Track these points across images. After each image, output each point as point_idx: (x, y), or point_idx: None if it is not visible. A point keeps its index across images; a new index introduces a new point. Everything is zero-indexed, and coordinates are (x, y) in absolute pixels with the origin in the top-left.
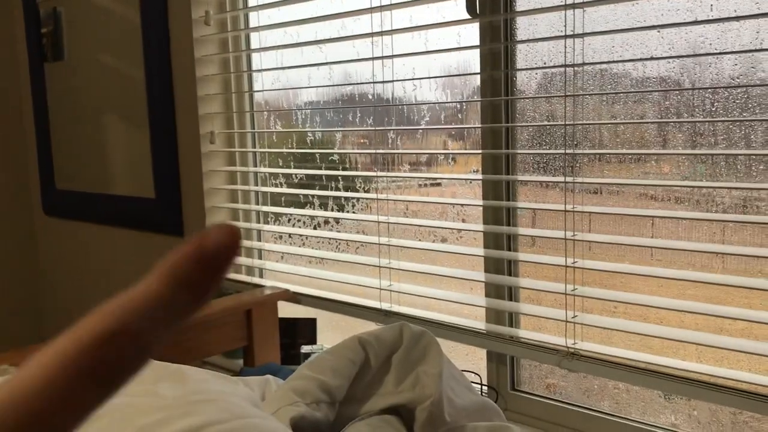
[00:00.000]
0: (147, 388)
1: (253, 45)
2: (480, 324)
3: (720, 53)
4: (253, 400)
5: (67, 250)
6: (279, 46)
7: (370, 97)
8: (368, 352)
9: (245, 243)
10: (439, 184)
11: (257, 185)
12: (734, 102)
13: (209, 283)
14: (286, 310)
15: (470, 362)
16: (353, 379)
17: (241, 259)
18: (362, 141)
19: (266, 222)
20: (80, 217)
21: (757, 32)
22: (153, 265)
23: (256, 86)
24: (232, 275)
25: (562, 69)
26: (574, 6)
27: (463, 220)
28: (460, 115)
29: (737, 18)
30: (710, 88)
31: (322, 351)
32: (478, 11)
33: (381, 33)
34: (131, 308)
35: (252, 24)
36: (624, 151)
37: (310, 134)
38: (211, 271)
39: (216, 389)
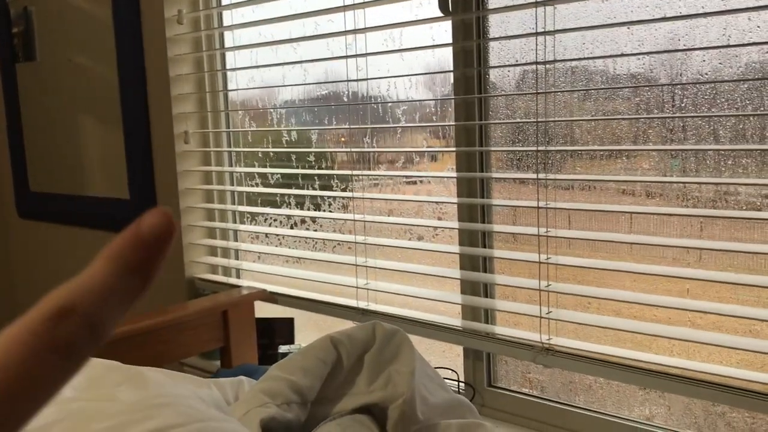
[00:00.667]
0: (106, 392)
1: (227, 44)
2: (456, 321)
3: (688, 49)
4: (217, 402)
5: (42, 253)
6: (253, 44)
7: (345, 98)
8: (340, 351)
9: (221, 243)
10: (416, 183)
11: (233, 185)
12: (703, 98)
13: (149, 265)
14: (264, 310)
15: (447, 359)
16: (325, 379)
17: (218, 260)
18: (343, 140)
19: (242, 222)
20: (55, 219)
21: (725, 29)
22: None
23: (231, 85)
24: (209, 276)
25: (534, 66)
26: (545, 3)
27: (439, 218)
28: (437, 114)
29: (705, 14)
30: (678, 84)
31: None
32: (450, 9)
33: (354, 31)
34: (80, 289)
35: (225, 23)
36: (594, 147)
37: (285, 134)
38: (149, 254)
39: (176, 393)
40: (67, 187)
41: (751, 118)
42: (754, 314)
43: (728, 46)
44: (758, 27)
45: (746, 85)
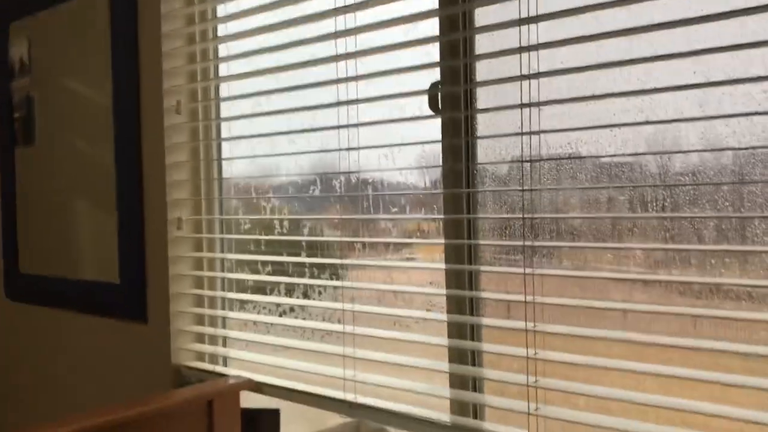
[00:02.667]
0: None
1: (224, 134)
2: (445, 416)
3: (665, 153)
4: None
5: (30, 336)
6: (247, 135)
7: (338, 185)
8: None
9: (209, 330)
10: (411, 268)
11: (223, 272)
12: (684, 197)
13: None
14: (249, 400)
15: None
16: None
17: (205, 347)
18: (333, 223)
19: (231, 309)
20: (43, 302)
21: (703, 132)
22: (114, 351)
23: (225, 174)
24: (196, 363)
25: (519, 164)
26: (530, 105)
27: (428, 309)
28: (428, 203)
29: (685, 120)
30: (660, 186)
31: None
32: (440, 107)
33: (348, 126)
34: None
35: (223, 114)
36: (581, 244)
37: (277, 222)
38: None
39: None
40: (57, 270)
41: (732, 220)
42: (744, 416)
43: (706, 150)
44: (734, 132)
45: (726, 187)
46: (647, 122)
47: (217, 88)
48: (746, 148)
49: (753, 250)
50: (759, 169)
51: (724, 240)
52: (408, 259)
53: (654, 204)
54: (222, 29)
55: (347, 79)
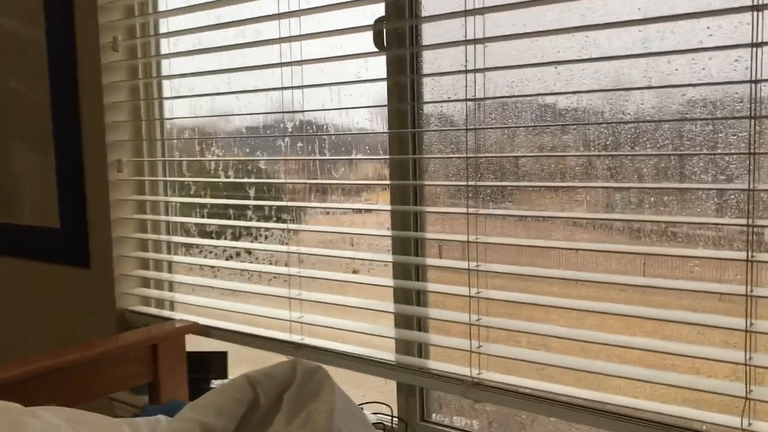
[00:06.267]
0: None
1: (164, 72)
2: (390, 355)
3: (606, 90)
4: None
5: None
6: (188, 74)
7: (284, 127)
8: (257, 390)
9: (155, 275)
10: (361, 212)
11: (168, 215)
12: (626, 136)
13: None
14: (197, 343)
15: (382, 394)
16: (241, 418)
17: (151, 291)
18: (294, 167)
19: (177, 254)
20: None
21: (645, 71)
22: (57, 296)
23: (167, 114)
24: (141, 308)
25: (464, 103)
26: (475, 41)
27: (376, 245)
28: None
29: (628, 56)
30: (603, 123)
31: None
32: (385, 45)
33: (290, 63)
34: None
35: (163, 51)
36: (522, 183)
37: (223, 164)
38: None
39: None
40: None
41: (672, 158)
42: (677, 349)
43: (647, 88)
44: (676, 70)
45: (667, 126)
46: (591, 59)
47: (156, 24)
48: (687, 85)
49: (690, 187)
50: (699, 108)
51: (664, 179)
52: (367, 204)
53: (596, 144)
54: None
55: (290, 13)
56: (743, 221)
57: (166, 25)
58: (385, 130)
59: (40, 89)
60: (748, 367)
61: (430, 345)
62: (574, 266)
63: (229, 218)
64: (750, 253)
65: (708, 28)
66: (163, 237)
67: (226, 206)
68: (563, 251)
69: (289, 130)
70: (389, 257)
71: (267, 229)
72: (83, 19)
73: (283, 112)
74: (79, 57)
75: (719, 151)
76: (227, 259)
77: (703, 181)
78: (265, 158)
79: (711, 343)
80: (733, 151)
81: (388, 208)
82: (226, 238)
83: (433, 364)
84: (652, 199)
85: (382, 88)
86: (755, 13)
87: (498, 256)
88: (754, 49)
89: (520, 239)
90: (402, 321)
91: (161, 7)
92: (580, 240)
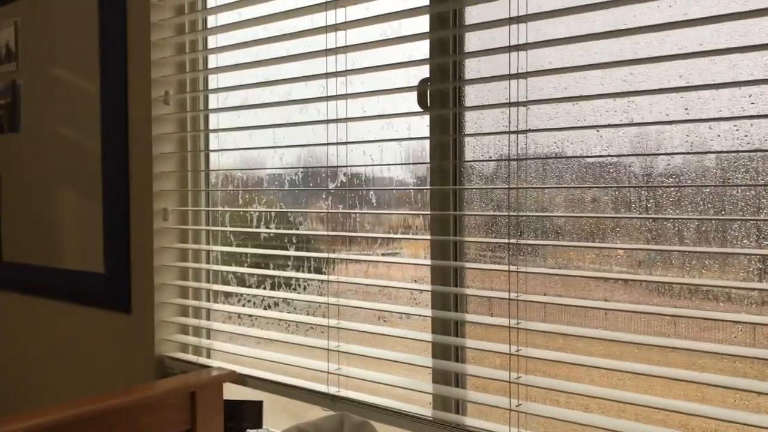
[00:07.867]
0: None
1: (211, 125)
2: (427, 411)
3: (647, 154)
4: None
5: (12, 325)
6: (234, 128)
7: (325, 178)
8: None
9: (194, 322)
10: (397, 263)
11: (209, 263)
12: (667, 199)
13: None
14: (233, 392)
15: None
16: None
17: (189, 338)
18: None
19: (216, 301)
20: (27, 291)
21: (687, 135)
22: (97, 340)
23: (213, 166)
24: (179, 354)
25: (506, 162)
26: (518, 104)
27: (415, 299)
28: (413, 199)
29: (669, 122)
30: (642, 186)
31: None
32: (428, 104)
33: (336, 120)
34: None
35: (211, 106)
36: (564, 243)
37: (267, 213)
38: None
39: None
40: (40, 258)
41: (713, 222)
42: (719, 414)
43: (693, 153)
44: (718, 136)
45: (708, 189)
46: (632, 124)
47: (206, 80)
48: (729, 152)
49: (732, 252)
50: (740, 174)
51: (705, 242)
52: (394, 255)
53: (637, 204)
54: (212, 21)
55: (336, 74)
56: None
57: (216, 81)
58: (428, 186)
59: (91, 138)
60: None
61: (468, 402)
62: (613, 325)
63: (269, 267)
64: None
65: (749, 96)
66: (204, 285)
67: (266, 256)
68: (605, 311)
69: (325, 182)
70: (428, 311)
71: (305, 279)
72: (137, 73)
73: (327, 167)
74: (130, 109)
75: (762, 216)
76: (265, 308)
77: (745, 245)
78: (307, 210)
79: (755, 409)
80: None
81: (428, 262)
82: (265, 288)
83: (472, 421)
84: (693, 261)
85: (418, 143)
86: None
87: (536, 314)
88: None
89: (561, 298)
90: (440, 376)
91: (211, 65)
92: (617, 297)
